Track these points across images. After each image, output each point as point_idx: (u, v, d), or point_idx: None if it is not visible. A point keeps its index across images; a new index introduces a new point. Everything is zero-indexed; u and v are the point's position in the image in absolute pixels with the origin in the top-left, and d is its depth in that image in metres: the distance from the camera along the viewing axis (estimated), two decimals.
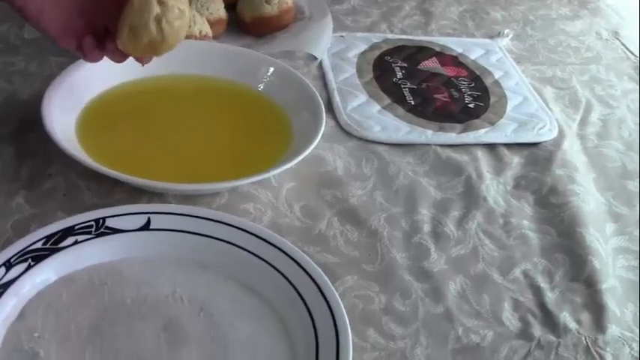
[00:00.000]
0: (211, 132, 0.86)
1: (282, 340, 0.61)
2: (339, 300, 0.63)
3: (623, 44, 1.21)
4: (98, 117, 0.84)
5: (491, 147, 0.91)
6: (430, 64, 1.04)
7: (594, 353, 0.67)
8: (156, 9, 0.68)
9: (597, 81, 1.09)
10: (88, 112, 0.84)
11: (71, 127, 0.80)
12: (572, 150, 0.92)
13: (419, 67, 1.03)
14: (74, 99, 0.84)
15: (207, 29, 0.97)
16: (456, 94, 0.98)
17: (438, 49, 1.08)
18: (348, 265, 0.72)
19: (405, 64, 1.03)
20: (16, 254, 0.62)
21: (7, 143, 0.79)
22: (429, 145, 0.89)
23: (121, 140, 0.82)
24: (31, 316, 0.60)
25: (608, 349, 0.67)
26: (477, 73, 1.04)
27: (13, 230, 0.69)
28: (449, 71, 1.03)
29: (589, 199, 0.85)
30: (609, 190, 0.87)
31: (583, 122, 0.99)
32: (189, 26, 0.88)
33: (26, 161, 0.77)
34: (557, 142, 0.93)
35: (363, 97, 0.95)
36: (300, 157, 0.77)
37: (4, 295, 0.60)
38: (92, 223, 0.65)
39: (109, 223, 0.66)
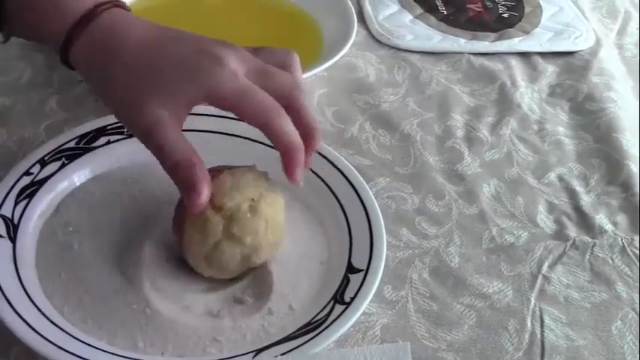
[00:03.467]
0: (242, 41, 0.84)
1: (317, 234, 0.62)
2: (373, 197, 0.63)
3: None
4: None
5: (525, 56, 0.89)
6: None
7: (630, 254, 0.66)
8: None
9: None
10: None
11: None
12: (609, 59, 0.90)
13: None
14: None
15: None
16: (489, 3, 0.96)
17: None
18: (380, 167, 0.71)
19: None
20: (50, 152, 0.63)
21: (38, 51, 0.79)
22: (461, 53, 0.88)
23: None
24: (65, 212, 0.61)
25: None
26: None
27: (46, 133, 0.69)
28: None
29: (626, 106, 0.83)
30: None
31: (621, 32, 0.97)
32: None
33: (57, 68, 0.77)
34: (594, 50, 0.91)
35: (394, 7, 0.93)
36: (332, 62, 0.76)
37: (40, 191, 0.60)
38: None
39: None
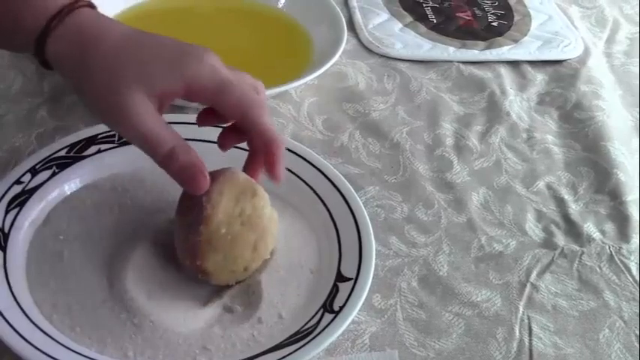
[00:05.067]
0: (232, 50, 0.84)
1: (306, 243, 0.62)
2: (362, 206, 0.63)
3: None
4: None
5: (514, 64, 0.90)
6: None
7: (618, 262, 0.67)
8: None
9: (626, 0, 1.06)
10: None
11: None
12: (597, 67, 0.91)
13: None
14: None
15: None
16: (479, 12, 0.97)
17: None
18: (370, 176, 0.72)
19: None
20: (40, 161, 0.63)
21: (28, 59, 0.79)
22: (451, 62, 0.88)
23: None
24: (56, 220, 0.61)
25: (632, 257, 0.67)
26: None
27: (37, 142, 0.69)
28: None
29: (615, 114, 0.84)
30: (636, 107, 0.86)
31: (610, 41, 0.98)
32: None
33: (48, 77, 0.77)
34: (583, 59, 0.91)
35: (384, 16, 0.94)
36: (322, 70, 0.77)
37: (31, 200, 0.61)
38: (115, 132, 0.65)
39: None
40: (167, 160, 0.52)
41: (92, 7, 0.56)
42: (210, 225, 0.53)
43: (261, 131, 0.53)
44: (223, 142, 0.57)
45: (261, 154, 0.55)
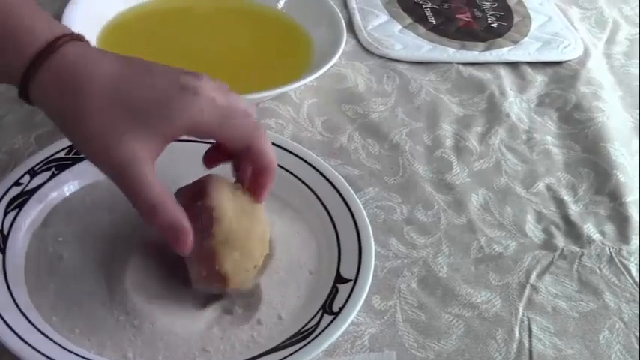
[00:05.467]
0: (231, 51, 0.85)
1: (306, 244, 0.62)
2: (362, 207, 0.63)
3: None
4: (117, 37, 0.84)
5: (514, 66, 0.90)
6: None
7: (618, 263, 0.67)
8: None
9: (625, 1, 1.06)
10: (108, 32, 0.84)
11: None
12: (597, 68, 0.91)
13: None
14: (93, 19, 0.83)
15: None
16: (478, 13, 0.97)
17: None
18: (369, 177, 0.72)
19: None
20: (40, 163, 0.63)
21: None
22: (450, 63, 0.88)
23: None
24: (55, 222, 0.61)
25: (632, 259, 0.67)
26: None
27: (37, 143, 0.69)
28: None
29: (614, 116, 0.84)
30: (636, 108, 0.86)
31: (610, 42, 0.98)
32: None
33: None
34: (582, 60, 0.91)
35: (384, 17, 0.94)
36: (321, 72, 0.76)
37: (30, 202, 0.60)
38: None
39: None
40: (149, 214, 0.50)
41: (77, 39, 0.52)
42: (223, 224, 0.53)
43: (263, 158, 0.53)
44: (210, 162, 0.57)
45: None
